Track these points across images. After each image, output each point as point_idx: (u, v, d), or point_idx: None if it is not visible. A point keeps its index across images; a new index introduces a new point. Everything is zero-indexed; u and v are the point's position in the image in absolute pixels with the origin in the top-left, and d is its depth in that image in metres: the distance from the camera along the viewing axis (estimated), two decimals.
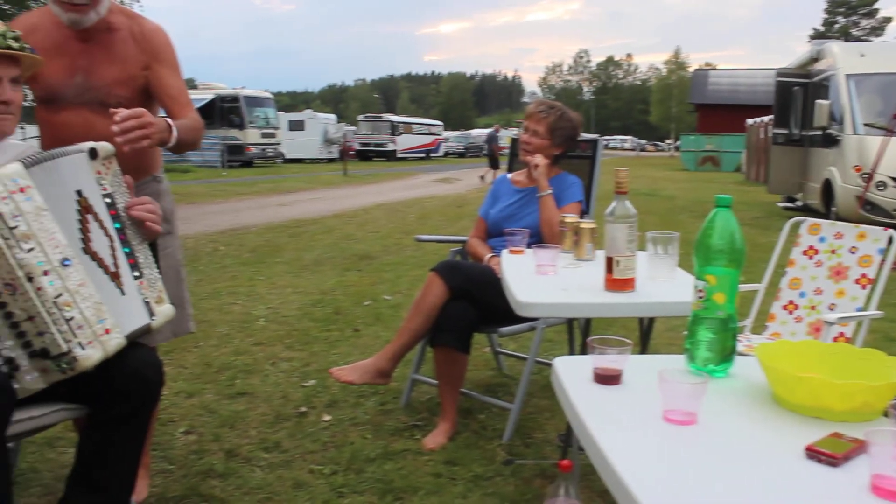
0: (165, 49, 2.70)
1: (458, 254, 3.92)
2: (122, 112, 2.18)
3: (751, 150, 24.25)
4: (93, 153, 2.13)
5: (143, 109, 2.24)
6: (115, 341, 2.00)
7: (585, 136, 3.89)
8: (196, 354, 4.65)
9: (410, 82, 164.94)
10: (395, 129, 45.80)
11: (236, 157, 31.94)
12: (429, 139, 49.38)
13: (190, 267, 7.69)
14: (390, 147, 44.76)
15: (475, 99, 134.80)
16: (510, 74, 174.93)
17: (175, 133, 2.42)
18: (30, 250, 1.85)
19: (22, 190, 1.87)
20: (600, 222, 2.57)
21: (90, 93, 2.53)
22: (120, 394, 2.10)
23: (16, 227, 1.84)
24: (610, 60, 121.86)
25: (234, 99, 33.31)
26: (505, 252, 3.14)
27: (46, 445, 3.26)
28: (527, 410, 3.67)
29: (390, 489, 2.90)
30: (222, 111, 32.50)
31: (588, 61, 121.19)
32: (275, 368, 4.42)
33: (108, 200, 2.14)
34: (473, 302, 3.32)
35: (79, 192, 2.05)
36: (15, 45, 2.12)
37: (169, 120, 2.43)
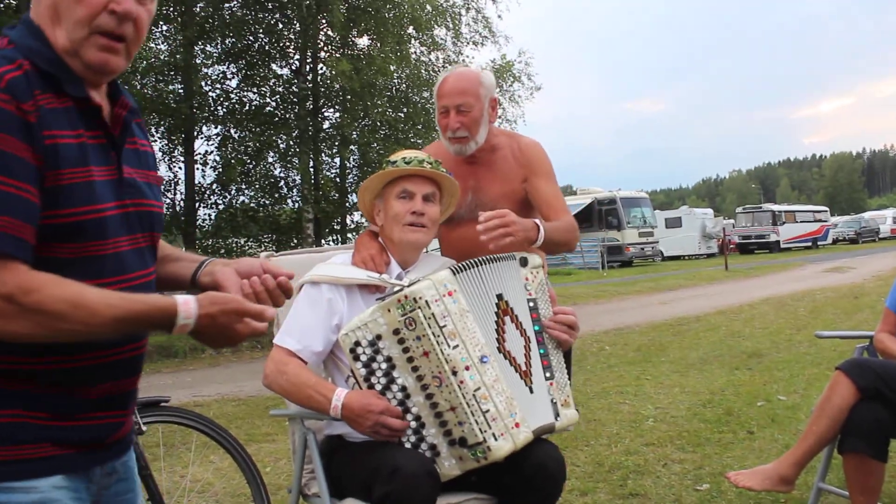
0: (541, 161, 2.96)
1: (866, 350, 3.58)
2: (487, 213, 2.41)
3: None
4: (523, 261, 2.36)
5: (507, 210, 2.46)
6: (524, 435, 2.13)
7: None
8: (587, 453, 4.74)
9: (789, 168, 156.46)
10: (776, 218, 43.44)
11: (616, 257, 32.49)
12: (814, 226, 45.97)
13: (577, 367, 7.90)
14: (773, 238, 42.45)
15: (864, 179, 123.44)
16: None
17: (542, 232, 2.58)
18: (455, 347, 2.08)
19: (450, 294, 2.13)
20: None
21: (480, 208, 2.81)
22: (526, 486, 2.23)
23: (444, 326, 2.09)
24: None
25: (611, 201, 34.18)
26: None
27: None
28: None
29: None
30: (600, 213, 33.45)
31: None
32: (666, 470, 4.34)
33: (531, 304, 2.35)
34: (887, 403, 2.99)
35: (499, 296, 2.27)
36: (428, 166, 2.45)
37: (536, 220, 2.60)
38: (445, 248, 3.02)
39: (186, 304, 1.42)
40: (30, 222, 1.28)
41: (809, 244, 44.29)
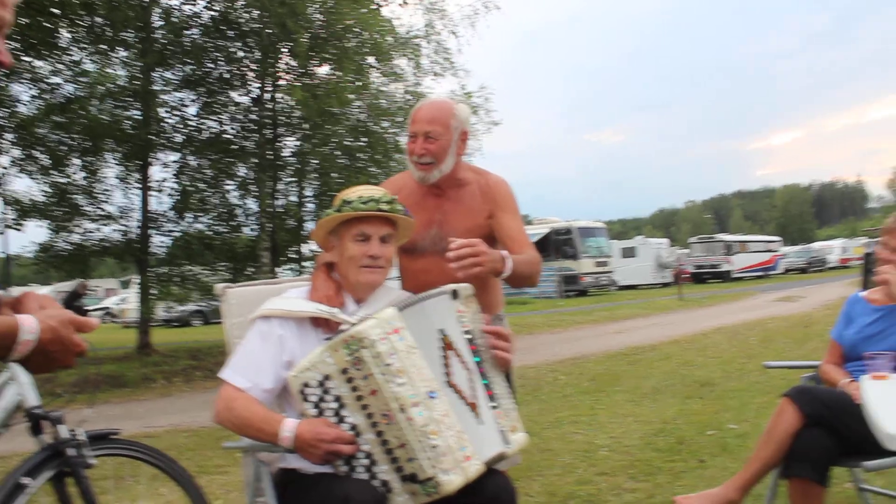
0: (507, 197, 3.01)
1: (812, 380, 3.67)
2: (458, 241, 2.45)
3: None
4: (455, 294, 2.39)
5: (478, 240, 2.50)
6: (475, 467, 2.15)
7: None
8: (540, 483, 4.76)
9: (742, 199, 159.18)
10: (729, 248, 44.30)
11: (572, 286, 32.83)
12: (766, 256, 46.98)
13: (532, 396, 7.95)
14: (725, 267, 43.26)
15: (814, 210, 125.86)
16: (851, 180, 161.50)
17: (509, 264, 2.64)
18: (402, 384, 2.10)
19: (396, 331, 2.15)
20: None
21: (443, 242, 2.82)
22: None
23: (391, 364, 2.11)
24: None
25: (568, 231, 34.58)
26: (865, 377, 2.90)
27: None
28: None
29: None
30: (557, 243, 33.83)
31: None
32: (618, 500, 4.38)
33: (468, 336, 2.37)
34: (830, 430, 3.07)
35: (441, 331, 2.29)
36: (385, 207, 2.47)
37: (503, 252, 2.65)
38: (406, 277, 3.04)
39: (27, 320, 1.40)
40: None
41: (761, 274, 45.17)
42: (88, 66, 14.25)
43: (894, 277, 3.25)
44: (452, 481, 2.10)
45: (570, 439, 5.94)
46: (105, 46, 14.08)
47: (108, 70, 14.38)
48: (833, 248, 55.11)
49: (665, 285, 38.46)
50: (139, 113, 14.56)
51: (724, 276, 42.94)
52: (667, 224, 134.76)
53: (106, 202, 15.11)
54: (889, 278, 3.26)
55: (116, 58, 14.64)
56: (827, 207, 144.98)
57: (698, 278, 42.39)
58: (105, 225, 15.20)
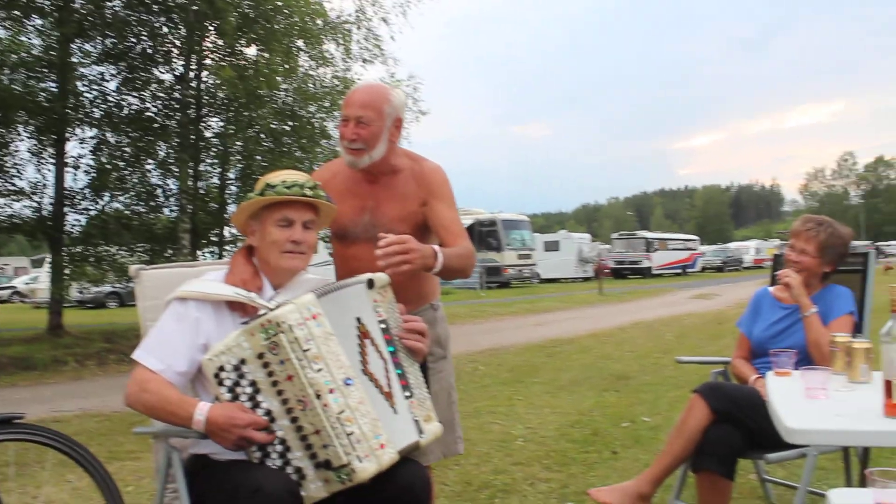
0: (442, 186, 2.95)
1: (721, 375, 3.78)
2: (388, 237, 2.42)
3: None
4: (370, 283, 2.37)
5: (408, 236, 2.47)
6: (389, 456, 2.15)
7: (856, 243, 3.68)
8: (456, 472, 4.79)
9: (664, 197, 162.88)
10: (649, 245, 45.38)
11: (494, 278, 33.12)
12: (685, 254, 48.35)
13: None
14: (645, 264, 44.31)
15: (732, 211, 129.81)
16: (767, 184, 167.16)
17: (440, 259, 2.61)
18: (319, 370, 2.08)
19: (314, 317, 2.12)
20: (875, 340, 2.40)
21: (376, 229, 2.78)
22: None
23: (308, 350, 2.08)
24: (879, 161, 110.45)
25: (492, 223, 34.87)
26: (770, 374, 3.00)
27: None
28: None
29: None
30: (481, 234, 34.06)
31: (854, 164, 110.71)
32: (533, 489, 4.43)
33: (383, 326, 2.36)
34: (738, 425, 3.17)
35: (358, 319, 2.28)
36: (309, 193, 2.43)
37: (435, 247, 2.62)
38: (339, 263, 3.00)
39: None
40: None
41: (679, 271, 46.44)
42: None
43: (795, 281, 3.37)
44: (367, 468, 2.09)
45: (487, 429, 5.99)
46: (18, 13, 13.51)
47: (22, 38, 13.77)
48: (748, 249, 57.07)
49: (586, 279, 39.16)
50: (55, 85, 14.01)
51: (644, 273, 43.94)
52: (589, 219, 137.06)
53: (17, 177, 14.56)
54: (790, 281, 3.37)
55: (31, 25, 14.05)
56: (744, 209, 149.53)
57: (619, 274, 43.32)
58: (16, 201, 14.65)
